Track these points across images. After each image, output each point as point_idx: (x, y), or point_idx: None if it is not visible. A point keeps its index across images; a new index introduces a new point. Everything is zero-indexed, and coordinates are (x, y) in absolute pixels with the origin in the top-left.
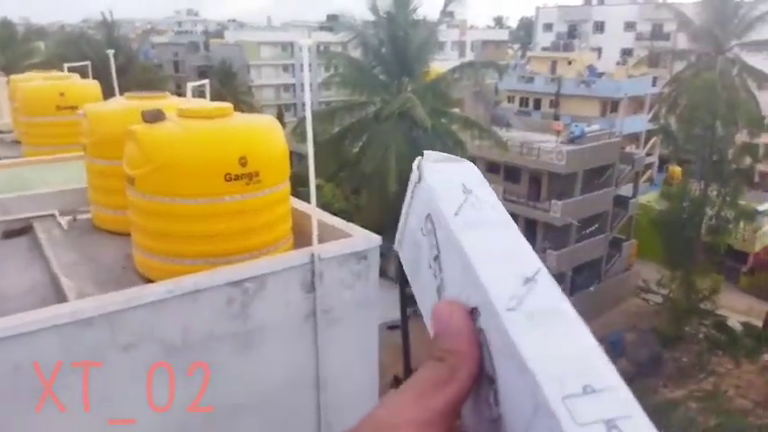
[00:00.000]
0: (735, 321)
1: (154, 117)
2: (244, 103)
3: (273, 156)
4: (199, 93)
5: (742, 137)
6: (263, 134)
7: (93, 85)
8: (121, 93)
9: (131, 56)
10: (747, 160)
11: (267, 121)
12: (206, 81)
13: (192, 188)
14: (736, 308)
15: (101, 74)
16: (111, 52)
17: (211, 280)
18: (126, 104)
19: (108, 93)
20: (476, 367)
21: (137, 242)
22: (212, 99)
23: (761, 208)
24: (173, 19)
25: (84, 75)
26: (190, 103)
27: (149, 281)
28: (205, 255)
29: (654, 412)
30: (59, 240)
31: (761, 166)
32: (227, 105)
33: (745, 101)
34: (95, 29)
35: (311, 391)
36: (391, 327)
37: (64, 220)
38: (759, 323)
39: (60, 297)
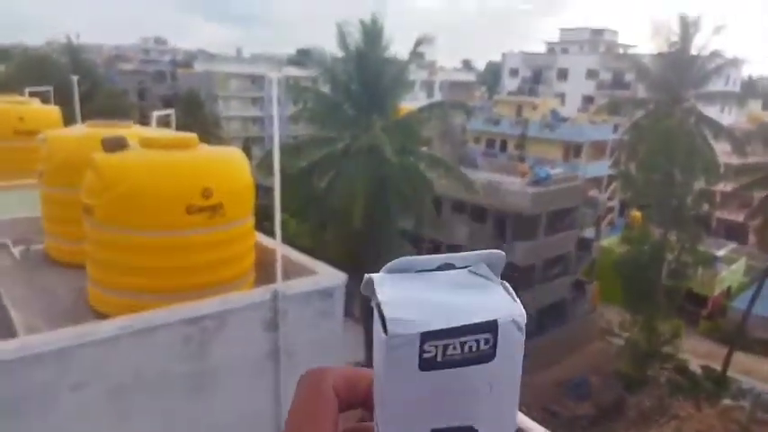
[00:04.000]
0: (695, 365)
1: (115, 145)
2: (211, 134)
3: (238, 188)
4: (164, 123)
5: (700, 184)
6: (227, 166)
7: (53, 111)
8: (84, 119)
9: (97, 81)
10: (705, 207)
11: (232, 152)
12: (171, 111)
13: (152, 220)
14: (697, 351)
15: (64, 99)
16: (74, 78)
17: (168, 317)
18: (87, 132)
19: (70, 120)
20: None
21: (92, 275)
22: (178, 129)
23: (719, 253)
24: (140, 46)
25: (46, 100)
26: (154, 132)
27: (103, 316)
28: (163, 290)
29: None
30: (11, 271)
31: (717, 213)
32: (192, 136)
33: (701, 149)
34: (60, 52)
35: (272, 430)
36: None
37: (17, 251)
38: (718, 367)
39: (10, 332)
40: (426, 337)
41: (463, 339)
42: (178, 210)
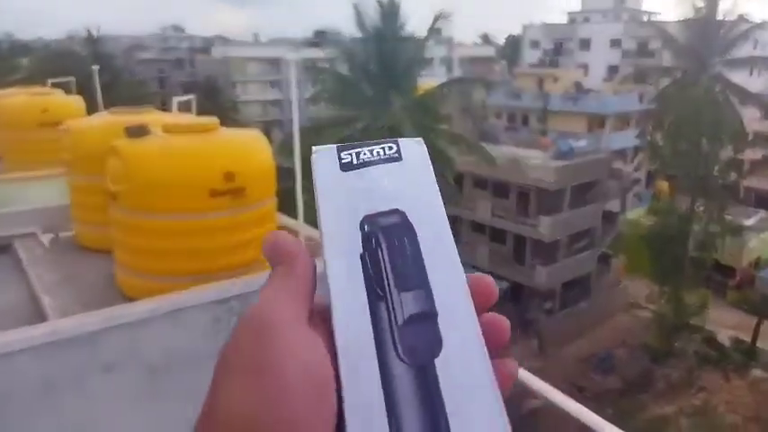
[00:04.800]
0: (723, 336)
1: (137, 132)
2: (229, 119)
3: (260, 171)
4: (185, 108)
5: (727, 152)
6: (249, 149)
7: (76, 101)
8: (106, 108)
9: (116, 72)
10: (733, 176)
11: (253, 135)
12: (191, 96)
13: (176, 204)
14: (725, 323)
15: (85, 90)
16: (95, 68)
17: (196, 298)
18: (109, 120)
19: (92, 109)
20: (310, 261)
21: (119, 260)
22: (198, 114)
23: (747, 223)
24: (158, 35)
25: (68, 91)
26: (175, 118)
27: (132, 300)
28: (190, 272)
29: (645, 428)
30: (41, 259)
31: (746, 182)
32: (213, 119)
33: (729, 117)
34: (80, 45)
35: None
36: None
37: (46, 239)
38: (747, 338)
39: (42, 317)
40: (341, 148)
41: (371, 148)
42: (201, 193)
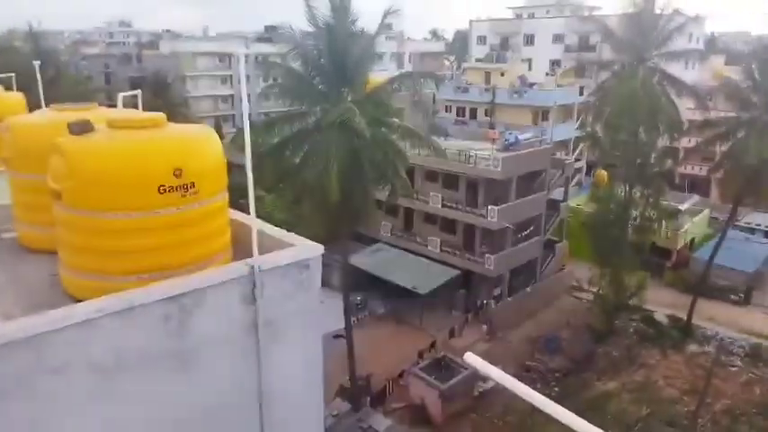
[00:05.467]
0: (661, 315)
1: (81, 128)
2: (179, 114)
3: (210, 166)
4: (132, 104)
5: (663, 141)
6: (198, 144)
7: (17, 97)
8: (48, 105)
9: (60, 67)
10: (668, 163)
11: (202, 130)
12: (138, 91)
13: (123, 201)
14: (662, 302)
15: (27, 86)
16: (36, 63)
17: (146, 296)
18: (51, 116)
19: (34, 106)
20: None
21: (65, 260)
22: (145, 110)
23: (682, 207)
24: (104, 30)
25: (8, 87)
26: (120, 114)
27: (79, 301)
28: (139, 271)
29: (590, 404)
30: None
31: (681, 168)
32: (160, 115)
33: (665, 107)
34: (21, 40)
35: (255, 406)
36: (336, 336)
37: None
38: (683, 315)
39: None
40: None
41: None
42: (149, 190)
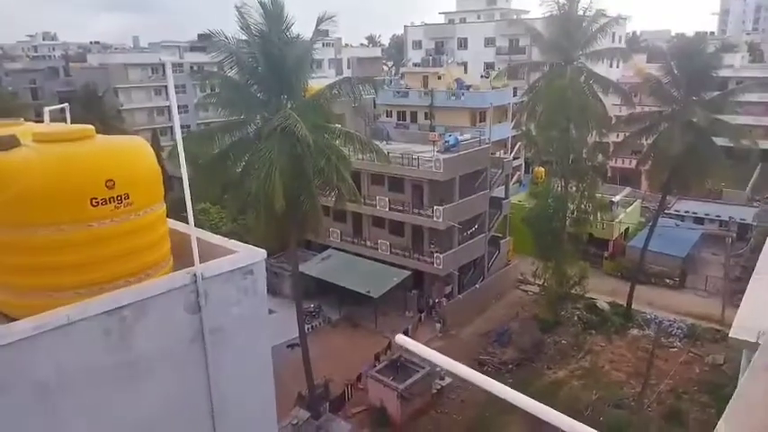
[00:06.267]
0: (603, 302)
1: (5, 143)
2: (112, 127)
3: (143, 176)
4: (60, 119)
5: (593, 137)
6: (129, 154)
7: None
8: None
9: None
10: (600, 157)
11: (133, 140)
12: (65, 105)
13: (55, 216)
14: (603, 290)
15: None
16: None
17: (84, 311)
18: None
19: None
20: None
21: (0, 281)
22: (75, 124)
23: (615, 199)
24: (28, 43)
25: None
26: (47, 128)
27: (15, 320)
28: (75, 286)
29: (542, 393)
30: None
31: (611, 162)
32: (88, 127)
33: (593, 104)
34: None
35: (207, 416)
36: (291, 345)
37: None
38: (623, 302)
39: None
40: None
41: None
42: (81, 203)
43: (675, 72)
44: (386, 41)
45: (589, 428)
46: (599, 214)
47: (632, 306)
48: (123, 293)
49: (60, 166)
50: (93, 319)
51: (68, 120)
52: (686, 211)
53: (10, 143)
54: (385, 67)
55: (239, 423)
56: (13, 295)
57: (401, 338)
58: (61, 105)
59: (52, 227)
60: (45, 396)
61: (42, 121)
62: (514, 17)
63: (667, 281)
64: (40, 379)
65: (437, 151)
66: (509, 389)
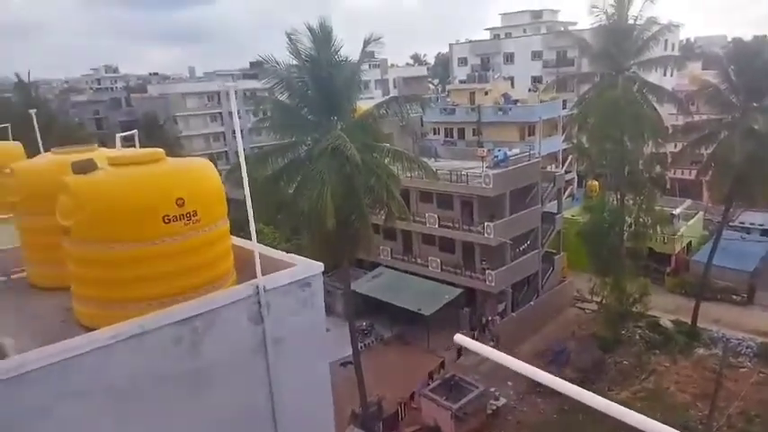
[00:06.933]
0: (666, 320)
1: (85, 167)
2: (174, 154)
3: (210, 194)
4: (129, 144)
5: (649, 148)
6: (197, 174)
7: (15, 146)
8: (46, 151)
9: (52, 116)
10: (657, 168)
11: (200, 161)
12: (134, 131)
13: (130, 232)
14: (666, 307)
15: (22, 136)
16: (32, 111)
17: (156, 321)
18: (54, 159)
19: (32, 154)
20: None
21: (77, 293)
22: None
23: (675, 212)
24: (91, 77)
25: (4, 137)
26: (120, 152)
27: (92, 330)
28: (148, 298)
29: (603, 415)
30: None
31: (670, 173)
32: (158, 151)
33: (647, 114)
34: (11, 91)
35: (268, 423)
36: (344, 363)
37: None
38: (688, 320)
39: (2, 357)
40: None
41: None
42: (154, 220)
43: (733, 78)
44: (431, 60)
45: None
46: (659, 228)
47: (697, 324)
48: (192, 305)
49: (135, 186)
50: (165, 329)
51: (137, 144)
52: (752, 223)
53: (89, 167)
54: (431, 86)
55: (299, 429)
56: (92, 307)
57: (460, 337)
58: (130, 132)
59: (128, 242)
60: (119, 402)
61: (114, 147)
62: (561, 29)
63: (734, 297)
64: (115, 385)
65: (486, 167)
66: (580, 389)
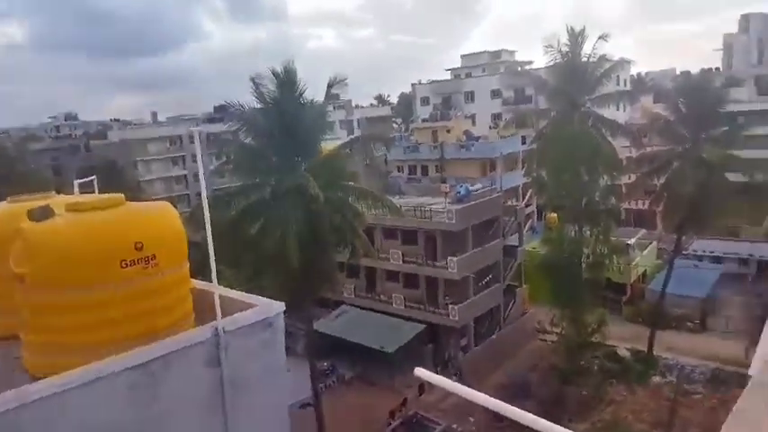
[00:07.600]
0: (623, 350)
1: (41, 214)
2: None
3: (169, 237)
4: (88, 190)
5: (605, 180)
6: (157, 217)
7: None
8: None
9: (10, 164)
10: (613, 200)
11: (161, 205)
12: (93, 177)
13: (85, 278)
14: (623, 336)
15: None
16: None
17: (111, 366)
18: (9, 208)
19: None
20: None
21: (28, 342)
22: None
23: (630, 242)
24: (50, 125)
25: None
26: (78, 198)
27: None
28: (105, 343)
29: None
30: None
31: (625, 204)
32: (118, 196)
33: (602, 147)
34: None
35: None
36: (304, 405)
37: None
38: (644, 348)
39: None
40: None
41: None
42: (111, 265)
43: (682, 110)
44: (395, 100)
45: None
46: (615, 258)
47: (653, 352)
48: (148, 349)
49: (91, 231)
50: (121, 375)
51: (96, 190)
52: (704, 251)
53: (45, 214)
54: (395, 125)
55: None
56: (44, 356)
57: (420, 371)
58: (89, 178)
59: (84, 288)
60: None
61: (72, 194)
62: (519, 69)
63: (688, 324)
64: None
65: (449, 202)
66: (535, 416)
